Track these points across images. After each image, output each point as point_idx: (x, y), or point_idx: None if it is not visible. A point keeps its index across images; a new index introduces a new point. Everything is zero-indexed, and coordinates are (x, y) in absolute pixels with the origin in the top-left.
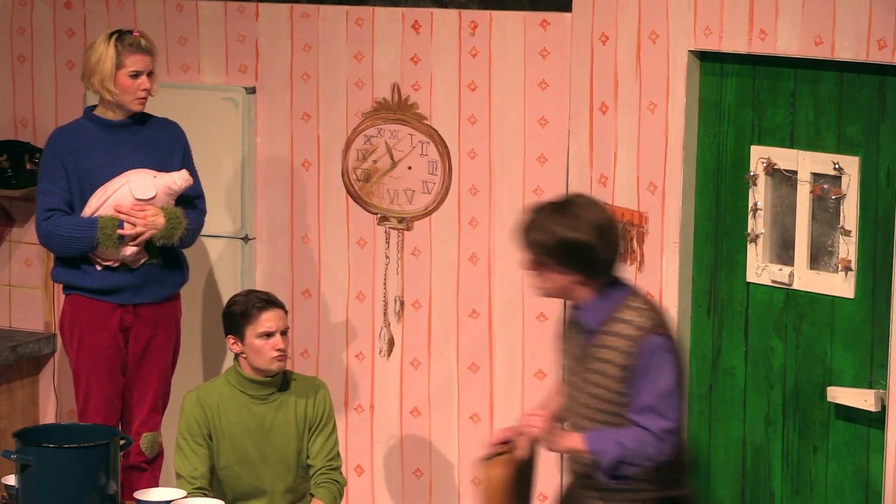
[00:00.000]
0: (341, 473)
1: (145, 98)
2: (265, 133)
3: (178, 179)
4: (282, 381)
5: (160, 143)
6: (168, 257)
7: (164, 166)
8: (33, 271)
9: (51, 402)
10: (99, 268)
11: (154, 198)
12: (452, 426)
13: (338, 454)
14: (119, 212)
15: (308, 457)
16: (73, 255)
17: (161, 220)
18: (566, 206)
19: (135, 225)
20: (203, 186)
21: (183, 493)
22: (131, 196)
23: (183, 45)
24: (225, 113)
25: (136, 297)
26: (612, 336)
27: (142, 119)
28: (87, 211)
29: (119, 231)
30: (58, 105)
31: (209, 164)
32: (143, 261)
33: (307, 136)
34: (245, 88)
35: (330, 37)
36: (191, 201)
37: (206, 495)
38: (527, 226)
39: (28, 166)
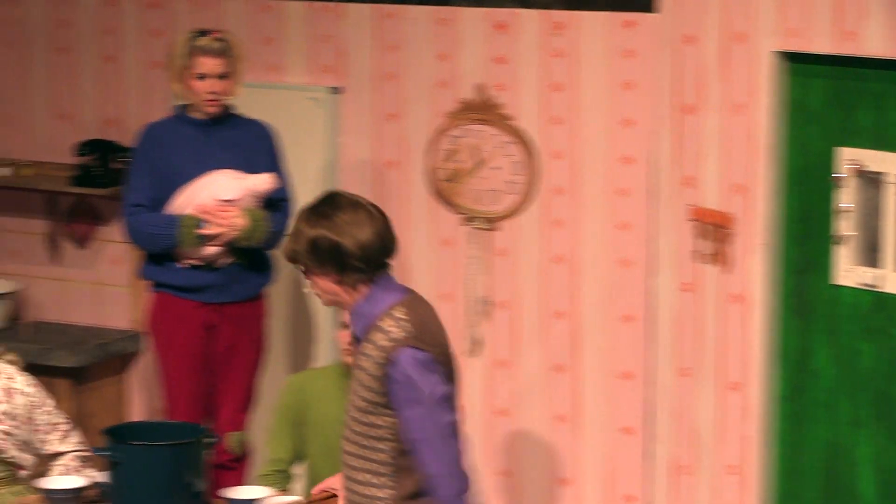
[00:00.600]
0: None
1: (215, 101)
2: (350, 133)
3: (262, 182)
4: None
5: (246, 144)
6: (253, 258)
7: (249, 166)
8: (121, 269)
9: (138, 399)
10: (183, 266)
11: (236, 199)
12: (538, 427)
13: None
14: (201, 211)
15: None
16: (157, 252)
17: (242, 222)
18: (318, 206)
19: (216, 225)
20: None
21: (269, 491)
22: (214, 196)
23: (268, 45)
24: (309, 113)
25: (220, 296)
26: (370, 345)
27: (230, 119)
28: (172, 209)
29: (199, 231)
30: (145, 105)
31: (293, 163)
32: (227, 261)
33: (392, 136)
34: (330, 88)
35: (414, 37)
36: (277, 203)
37: (285, 479)
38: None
39: (115, 165)
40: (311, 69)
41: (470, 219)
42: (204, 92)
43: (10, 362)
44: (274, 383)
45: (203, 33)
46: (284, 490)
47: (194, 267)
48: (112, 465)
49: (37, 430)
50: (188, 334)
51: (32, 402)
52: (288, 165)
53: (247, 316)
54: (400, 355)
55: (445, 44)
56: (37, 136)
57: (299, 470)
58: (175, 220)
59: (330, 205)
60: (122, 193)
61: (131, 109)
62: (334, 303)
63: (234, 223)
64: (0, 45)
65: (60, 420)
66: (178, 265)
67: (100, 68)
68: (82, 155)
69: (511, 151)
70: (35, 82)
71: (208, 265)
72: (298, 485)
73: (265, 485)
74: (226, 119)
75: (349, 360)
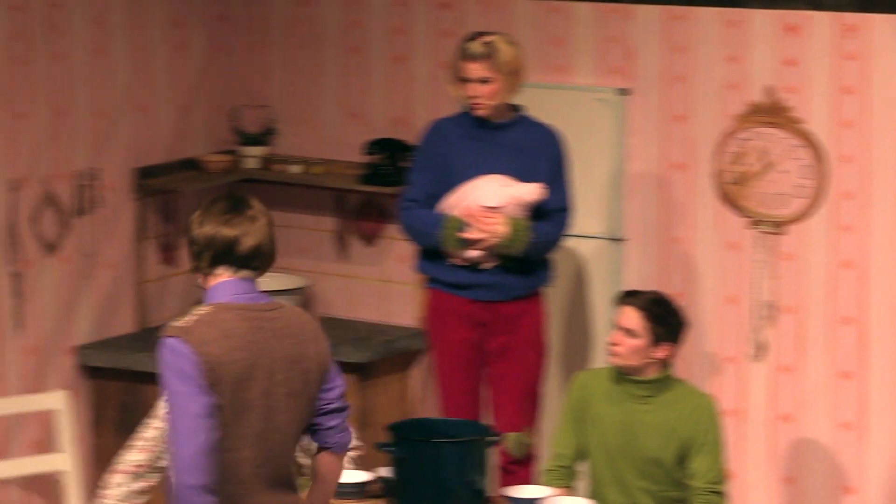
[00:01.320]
0: (722, 496)
1: (479, 104)
2: (637, 134)
3: (528, 192)
4: (663, 385)
5: (529, 148)
6: (524, 261)
7: (528, 172)
8: (407, 267)
9: (422, 396)
10: (454, 263)
11: (500, 207)
12: (822, 434)
13: (721, 476)
14: (466, 215)
15: (687, 475)
16: (425, 248)
17: (503, 230)
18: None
19: (477, 230)
20: (574, 187)
21: (550, 491)
22: (479, 202)
23: (556, 46)
24: (597, 114)
25: (489, 295)
26: None
27: (518, 121)
28: (443, 207)
29: (461, 234)
30: (433, 105)
31: (580, 164)
32: (490, 264)
33: (679, 137)
34: (618, 90)
35: (704, 38)
36: (552, 213)
37: (568, 475)
38: None
39: (404, 164)
40: (599, 70)
41: (756, 222)
42: (468, 95)
43: None
44: (553, 385)
45: (475, 37)
46: (568, 487)
47: (463, 266)
48: (395, 461)
49: None
50: (459, 330)
51: None
52: (572, 174)
53: (522, 315)
54: (164, 341)
55: (735, 46)
56: (327, 134)
57: (583, 468)
58: (440, 220)
59: (220, 199)
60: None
61: (419, 109)
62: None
63: (494, 230)
64: (293, 46)
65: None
66: (450, 262)
67: (390, 68)
68: (371, 153)
69: (799, 155)
70: (327, 82)
71: (473, 266)
72: (582, 483)
73: (548, 480)
74: (512, 122)
75: (615, 361)
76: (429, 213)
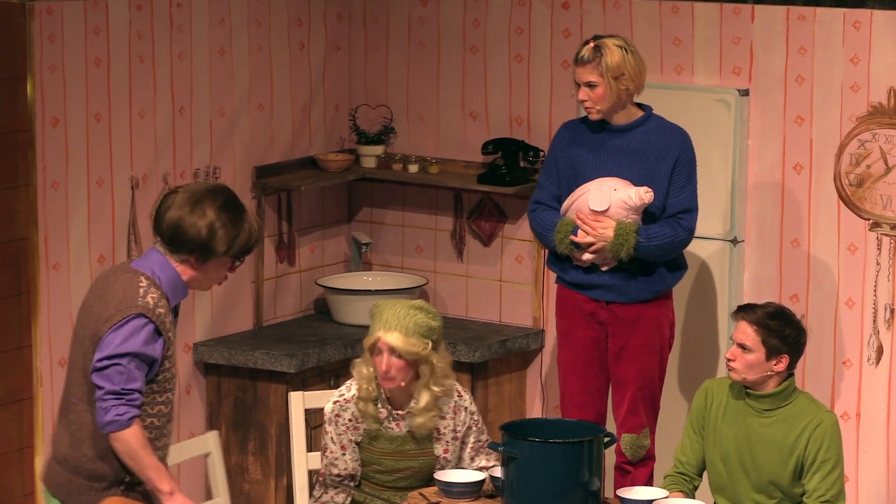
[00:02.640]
0: None
1: (589, 109)
2: (757, 135)
3: (635, 195)
4: (783, 398)
5: (648, 151)
6: (644, 263)
7: (649, 175)
8: (524, 267)
9: (537, 396)
10: (575, 263)
11: (607, 210)
12: None
13: (836, 495)
14: (578, 218)
15: (803, 492)
16: (549, 249)
17: (610, 234)
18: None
19: (587, 234)
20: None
21: (665, 493)
22: (588, 205)
23: (677, 47)
24: (717, 114)
25: (609, 295)
26: None
27: (644, 123)
28: (563, 207)
29: (572, 237)
30: (552, 105)
31: (699, 165)
32: (607, 266)
33: (800, 139)
34: (738, 90)
35: (826, 39)
36: (674, 216)
37: (687, 482)
38: None
39: (522, 164)
40: (719, 71)
41: (877, 224)
42: (579, 99)
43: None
44: (674, 388)
45: (589, 41)
46: (685, 493)
47: (583, 266)
48: (508, 461)
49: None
50: (580, 328)
51: (474, 420)
52: (696, 176)
53: (643, 317)
54: None
55: (857, 46)
56: (445, 134)
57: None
58: (556, 224)
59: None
60: (527, 193)
61: (538, 109)
62: None
63: (602, 234)
64: (413, 46)
65: (485, 437)
66: (571, 262)
67: (509, 68)
68: (488, 153)
69: None
70: (445, 81)
71: (592, 267)
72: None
73: (667, 485)
74: (636, 124)
75: (733, 376)
76: (550, 214)
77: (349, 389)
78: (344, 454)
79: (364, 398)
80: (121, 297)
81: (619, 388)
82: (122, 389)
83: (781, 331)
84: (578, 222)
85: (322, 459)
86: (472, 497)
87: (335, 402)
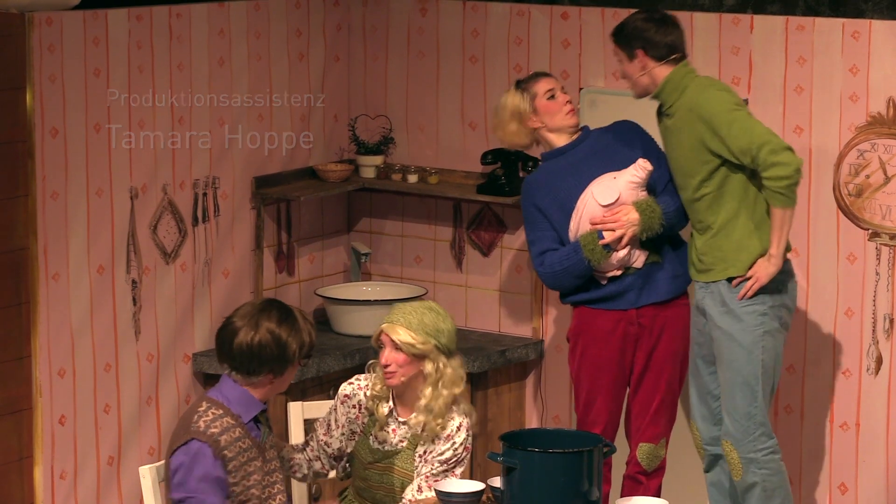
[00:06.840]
0: None
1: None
2: None
3: (636, 170)
4: None
5: (612, 144)
6: (670, 252)
7: (627, 162)
8: (523, 277)
9: (536, 406)
10: (604, 282)
11: (619, 198)
12: None
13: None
14: (594, 223)
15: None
16: (579, 283)
17: (635, 216)
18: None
19: (613, 230)
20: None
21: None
22: (599, 204)
23: None
24: None
25: (641, 297)
26: None
27: (588, 132)
28: (571, 235)
29: (602, 241)
30: None
31: None
32: (642, 258)
33: (799, 149)
34: None
35: (825, 49)
36: (664, 186)
37: None
38: None
39: (521, 174)
40: (720, 80)
41: (876, 234)
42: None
43: (466, 413)
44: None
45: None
46: None
47: (616, 278)
48: (508, 471)
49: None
50: (607, 348)
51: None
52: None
53: (669, 319)
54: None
55: (856, 57)
56: (444, 144)
57: None
58: (577, 245)
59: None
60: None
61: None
62: None
63: (628, 220)
64: (414, 55)
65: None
66: (600, 283)
67: (509, 78)
68: (487, 163)
69: None
70: (445, 92)
71: (627, 269)
72: None
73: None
74: (587, 134)
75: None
76: (562, 249)
77: (368, 380)
78: (338, 429)
79: (375, 396)
80: (179, 424)
81: (640, 398)
82: None
83: None
84: (598, 226)
85: (316, 427)
86: None
87: (350, 384)
